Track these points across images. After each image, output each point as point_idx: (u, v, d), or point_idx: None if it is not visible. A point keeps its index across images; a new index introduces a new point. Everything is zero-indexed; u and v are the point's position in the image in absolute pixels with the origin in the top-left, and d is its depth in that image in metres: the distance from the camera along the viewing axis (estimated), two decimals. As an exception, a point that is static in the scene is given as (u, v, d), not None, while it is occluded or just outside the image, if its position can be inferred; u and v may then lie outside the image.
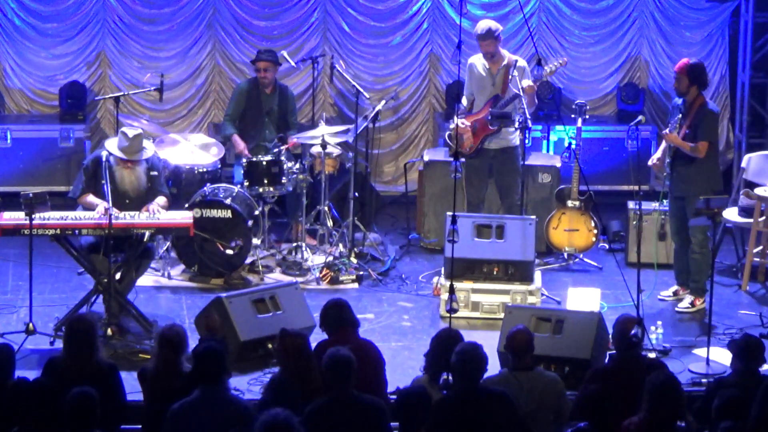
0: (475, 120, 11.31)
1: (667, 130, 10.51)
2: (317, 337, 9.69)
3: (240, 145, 11.98)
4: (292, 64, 12.79)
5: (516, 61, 11.25)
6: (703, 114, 10.46)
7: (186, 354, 7.81)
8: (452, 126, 11.34)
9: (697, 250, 10.70)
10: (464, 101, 11.46)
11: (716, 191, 10.51)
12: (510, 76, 11.12)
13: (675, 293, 10.95)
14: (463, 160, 11.46)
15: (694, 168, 10.52)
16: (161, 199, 10.24)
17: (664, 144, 10.74)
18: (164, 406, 7.33)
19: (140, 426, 7.80)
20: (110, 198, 9.73)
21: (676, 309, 10.80)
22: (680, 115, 10.54)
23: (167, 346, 7.75)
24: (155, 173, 10.35)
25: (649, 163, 10.85)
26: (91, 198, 10.10)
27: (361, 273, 11.40)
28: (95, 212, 9.86)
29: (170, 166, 11.68)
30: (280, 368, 7.80)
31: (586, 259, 11.90)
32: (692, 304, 10.78)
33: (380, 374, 8.14)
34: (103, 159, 10.02)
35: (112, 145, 10.18)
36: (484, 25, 11.33)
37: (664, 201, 11.11)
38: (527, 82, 11.11)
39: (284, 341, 7.79)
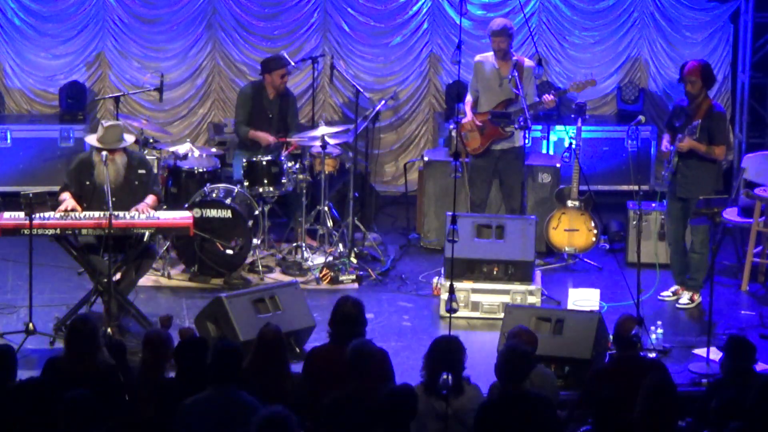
0: (483, 120, 11.30)
1: (685, 140, 10.43)
2: (317, 337, 9.74)
3: (265, 137, 11.96)
4: (292, 64, 12.79)
5: (522, 60, 11.24)
6: (715, 117, 10.45)
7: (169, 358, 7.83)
8: (452, 128, 11.34)
9: (697, 250, 10.71)
10: (469, 97, 11.46)
11: (718, 192, 10.52)
12: (518, 80, 11.06)
13: (675, 293, 10.96)
14: (467, 159, 11.47)
15: (700, 170, 10.51)
16: (150, 198, 10.20)
17: (667, 137, 10.72)
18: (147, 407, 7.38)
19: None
20: (108, 195, 9.71)
21: (677, 305, 10.82)
22: (686, 117, 10.53)
23: (150, 348, 7.77)
24: (143, 171, 10.31)
25: (662, 148, 10.75)
26: (62, 196, 10.05)
27: (361, 273, 11.40)
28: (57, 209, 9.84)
29: (170, 164, 11.70)
30: (248, 365, 7.81)
31: (586, 259, 11.89)
32: (691, 299, 10.82)
33: (386, 381, 8.09)
34: (98, 158, 10.01)
35: (91, 138, 10.23)
36: (500, 21, 11.35)
37: (663, 201, 11.09)
38: (548, 97, 11.11)
39: (265, 337, 7.81)
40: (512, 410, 7.19)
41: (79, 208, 9.89)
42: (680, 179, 10.59)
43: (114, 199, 9.86)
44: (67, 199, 9.93)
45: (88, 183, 10.11)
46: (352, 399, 7.12)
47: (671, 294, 10.97)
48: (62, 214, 9.83)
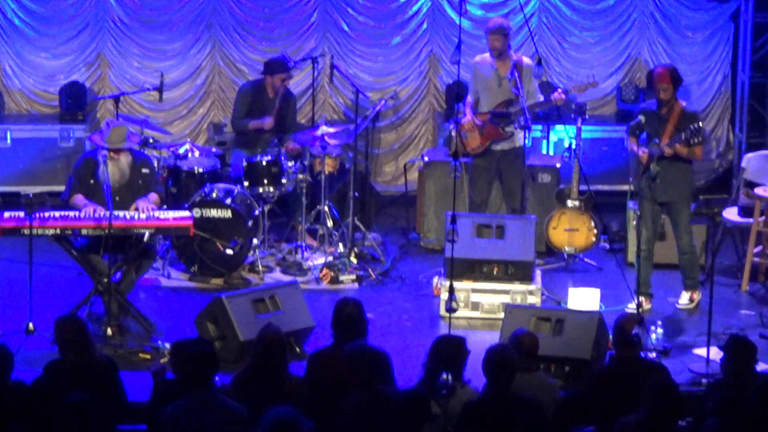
0: (483, 120, 11.29)
1: (666, 146, 10.38)
2: (317, 336, 9.74)
3: (264, 122, 11.97)
4: (292, 63, 12.78)
5: (521, 60, 11.23)
6: (690, 117, 10.41)
7: None
8: (452, 128, 11.33)
9: (686, 251, 10.64)
10: (469, 97, 11.45)
11: (694, 193, 10.51)
12: (518, 80, 11.03)
13: (640, 304, 10.45)
14: (465, 160, 11.47)
15: (679, 172, 10.47)
16: (153, 196, 10.22)
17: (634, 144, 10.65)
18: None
19: (145, 426, 7.77)
20: (108, 195, 9.71)
21: (678, 306, 10.77)
22: (659, 121, 10.44)
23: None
24: (146, 171, 10.34)
25: (640, 153, 10.65)
26: (78, 199, 10.07)
27: (361, 273, 11.40)
28: (82, 212, 9.85)
29: (170, 164, 11.71)
30: (248, 365, 7.83)
31: (586, 259, 11.89)
32: (691, 299, 10.77)
33: (386, 383, 8.08)
34: (98, 158, 10.02)
35: (96, 137, 10.25)
36: (496, 20, 11.38)
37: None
38: (557, 95, 11.10)
39: (265, 337, 7.82)
40: (496, 411, 7.19)
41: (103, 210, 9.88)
42: (661, 184, 10.48)
43: (117, 198, 9.89)
44: (91, 203, 9.93)
45: (92, 182, 10.13)
46: (370, 405, 7.10)
47: (635, 308, 10.17)
48: (63, 214, 9.86)
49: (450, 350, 7.61)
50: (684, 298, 10.81)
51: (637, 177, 10.58)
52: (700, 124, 10.32)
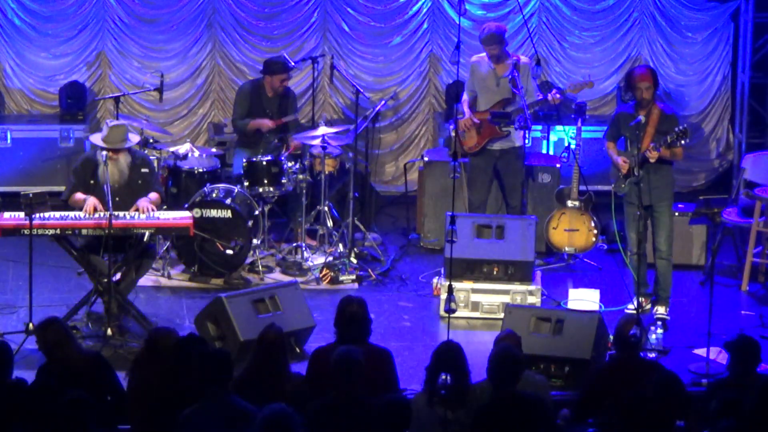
0: (481, 119, 11.29)
1: (653, 149, 10.34)
2: (317, 337, 9.74)
3: (263, 122, 11.98)
4: (293, 64, 12.78)
5: (519, 59, 11.23)
6: (671, 119, 10.40)
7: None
8: (452, 128, 11.33)
9: (665, 255, 10.59)
10: (465, 95, 11.44)
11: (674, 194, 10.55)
12: (517, 80, 11.03)
13: (640, 305, 10.40)
14: (465, 159, 11.47)
15: (662, 175, 10.46)
16: (153, 195, 10.21)
17: (613, 151, 10.63)
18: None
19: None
20: (108, 195, 9.71)
21: (658, 316, 10.50)
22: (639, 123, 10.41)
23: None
24: (146, 170, 10.33)
25: (621, 162, 10.63)
26: (78, 195, 10.06)
27: (361, 273, 11.40)
28: (83, 209, 9.84)
29: (170, 164, 11.71)
30: (249, 365, 7.83)
31: (586, 259, 11.89)
32: (666, 312, 10.61)
33: (389, 381, 8.09)
34: (99, 158, 10.02)
35: (95, 138, 10.23)
36: (487, 28, 11.27)
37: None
38: (552, 95, 11.12)
39: (266, 337, 7.82)
40: (506, 413, 7.19)
41: (102, 207, 9.88)
42: (645, 187, 10.45)
43: (117, 198, 9.89)
44: (90, 198, 9.93)
45: (92, 182, 10.13)
46: (339, 407, 7.12)
47: (635, 309, 10.04)
48: (63, 214, 9.85)
49: (449, 354, 7.60)
50: (662, 309, 10.60)
51: (619, 182, 10.57)
52: (685, 126, 10.33)
